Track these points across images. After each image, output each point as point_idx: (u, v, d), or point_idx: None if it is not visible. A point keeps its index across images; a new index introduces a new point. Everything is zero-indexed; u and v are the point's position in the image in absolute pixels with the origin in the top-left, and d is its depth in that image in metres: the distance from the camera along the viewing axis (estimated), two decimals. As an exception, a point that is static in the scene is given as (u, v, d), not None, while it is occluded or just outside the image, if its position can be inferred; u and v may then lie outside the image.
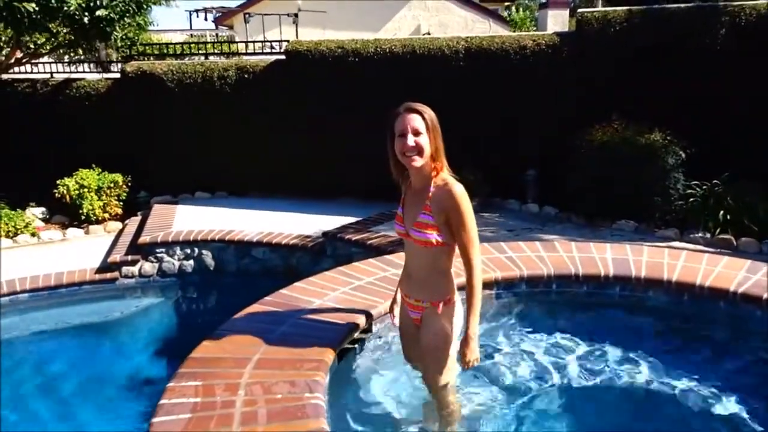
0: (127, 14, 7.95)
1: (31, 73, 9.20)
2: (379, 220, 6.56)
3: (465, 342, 2.32)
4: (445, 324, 2.39)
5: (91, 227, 7.57)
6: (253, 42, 9.82)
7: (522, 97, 7.24)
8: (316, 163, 8.00)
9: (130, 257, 6.13)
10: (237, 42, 10.73)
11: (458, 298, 2.44)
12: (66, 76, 9.00)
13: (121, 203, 8.12)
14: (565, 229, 6.27)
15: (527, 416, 2.62)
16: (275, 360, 2.41)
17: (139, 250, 6.20)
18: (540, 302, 3.42)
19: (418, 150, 2.25)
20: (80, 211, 7.69)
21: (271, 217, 7.25)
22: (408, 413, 2.60)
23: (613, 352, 3.04)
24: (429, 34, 15.61)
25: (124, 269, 6.11)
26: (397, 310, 2.66)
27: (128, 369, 4.62)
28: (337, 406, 2.43)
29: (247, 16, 15.45)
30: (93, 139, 8.49)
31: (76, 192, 7.66)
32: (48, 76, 8.99)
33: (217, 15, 20.84)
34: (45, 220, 7.95)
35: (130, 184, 8.22)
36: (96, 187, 7.76)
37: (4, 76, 8.83)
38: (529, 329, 3.25)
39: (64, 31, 8.28)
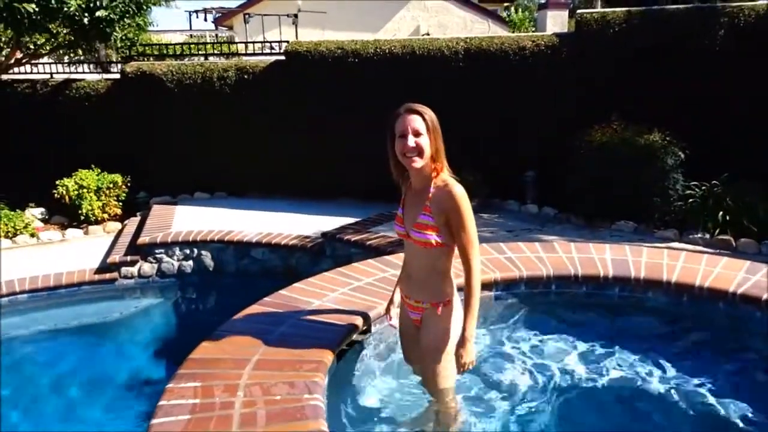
0: (127, 15, 7.95)
1: (31, 73, 9.20)
2: (379, 221, 6.56)
3: (461, 343, 2.32)
4: (445, 325, 2.39)
5: (91, 228, 7.57)
6: (253, 42, 9.83)
7: (521, 98, 7.24)
8: (315, 163, 8.01)
9: (129, 258, 6.12)
10: (237, 42, 10.73)
11: (458, 299, 2.44)
12: (66, 76, 9.00)
13: (121, 204, 8.12)
14: (564, 230, 6.27)
15: (527, 417, 2.62)
16: (274, 361, 2.41)
17: (139, 250, 6.20)
18: (539, 303, 3.42)
19: (419, 151, 2.26)
20: (79, 212, 7.69)
21: (270, 218, 7.25)
22: (407, 415, 2.60)
23: (613, 353, 3.04)
24: (428, 34, 15.62)
25: (124, 270, 6.11)
26: (393, 311, 2.66)
27: (127, 370, 4.62)
28: (336, 408, 2.43)
29: (246, 16, 15.46)
30: (93, 139, 8.49)
31: (76, 192, 7.66)
32: (48, 76, 8.99)
33: (217, 15, 20.85)
34: (44, 221, 7.95)
35: (129, 184, 8.22)
36: (95, 188, 7.76)
37: (4, 77, 8.84)
38: (529, 330, 3.25)
39: (64, 31, 8.27)
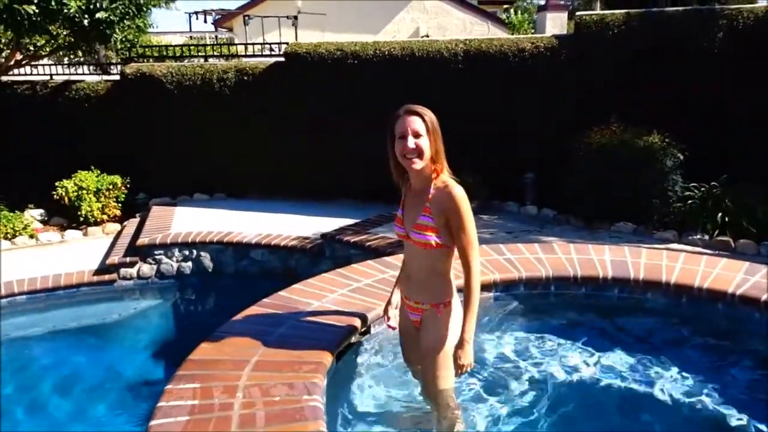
0: (127, 16, 7.95)
1: (31, 75, 9.20)
2: (378, 222, 6.56)
3: (459, 345, 2.32)
4: (444, 326, 2.39)
5: (90, 229, 7.57)
6: (253, 44, 9.83)
7: (520, 100, 7.25)
8: (315, 165, 8.01)
9: (128, 259, 6.12)
10: (236, 44, 10.76)
11: (458, 300, 2.44)
12: (65, 78, 9.00)
13: (120, 205, 8.12)
14: (563, 232, 6.27)
15: (526, 419, 2.62)
16: (273, 362, 2.41)
17: (138, 251, 6.20)
18: (538, 304, 3.42)
19: (418, 152, 2.26)
20: (79, 213, 7.69)
21: (269, 219, 7.24)
22: (407, 416, 2.60)
23: (612, 354, 3.04)
24: (428, 36, 15.64)
25: (123, 271, 6.10)
26: (392, 312, 2.65)
27: (126, 371, 4.62)
28: (335, 409, 2.43)
29: (246, 18, 15.47)
30: (92, 141, 8.49)
31: (75, 194, 7.66)
32: (47, 78, 9.00)
33: (217, 17, 20.84)
34: (44, 222, 7.94)
35: (128, 185, 8.22)
36: (95, 189, 7.76)
37: (4, 78, 8.84)
38: (528, 331, 3.25)
39: (64, 33, 8.28)
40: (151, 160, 8.47)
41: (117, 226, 7.71)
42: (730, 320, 3.15)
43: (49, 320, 5.59)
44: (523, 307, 3.39)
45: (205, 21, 22.06)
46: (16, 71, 8.96)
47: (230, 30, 19.17)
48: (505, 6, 25.44)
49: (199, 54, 9.90)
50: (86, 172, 7.95)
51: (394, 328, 2.66)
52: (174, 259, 6.28)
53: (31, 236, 7.17)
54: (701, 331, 3.22)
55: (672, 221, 6.13)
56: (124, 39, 8.49)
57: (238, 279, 6.25)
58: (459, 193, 2.26)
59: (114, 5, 7.64)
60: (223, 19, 19.67)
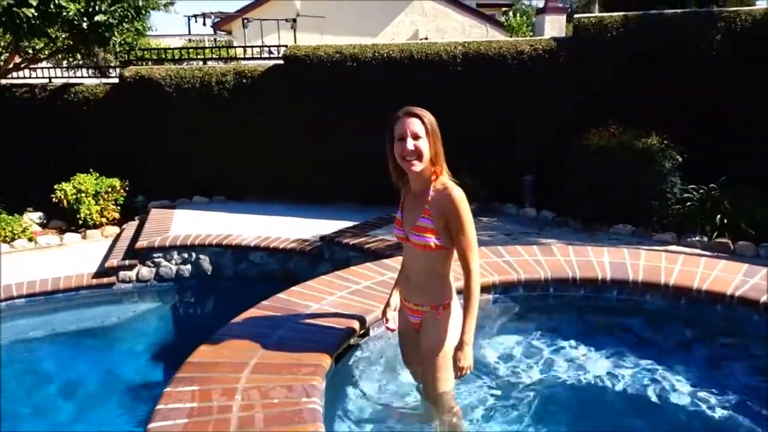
0: (126, 19, 7.96)
1: (30, 78, 9.20)
2: (377, 224, 6.57)
3: (459, 347, 2.32)
4: (444, 328, 2.39)
5: (89, 232, 7.56)
6: (252, 47, 9.83)
7: (519, 102, 7.26)
8: (314, 167, 8.00)
9: (127, 262, 6.12)
10: (235, 47, 10.76)
11: (458, 302, 2.44)
12: (64, 81, 9.00)
13: (119, 208, 8.11)
14: (562, 233, 6.28)
15: (525, 420, 2.62)
16: (272, 364, 2.41)
17: (137, 254, 6.19)
18: (537, 306, 3.42)
19: (418, 154, 2.26)
20: (78, 216, 7.68)
21: (268, 222, 7.24)
22: (406, 418, 2.59)
23: (611, 356, 3.04)
24: (427, 39, 15.67)
25: (122, 274, 6.10)
26: (390, 314, 2.65)
27: (125, 374, 4.61)
28: (334, 411, 2.43)
29: (245, 21, 15.48)
30: (91, 144, 8.49)
31: (74, 197, 7.65)
32: (46, 81, 9.00)
33: (216, 20, 20.85)
34: (42, 225, 7.93)
35: (127, 188, 8.21)
36: (93, 192, 7.75)
37: (3, 81, 8.83)
38: (527, 333, 3.25)
39: (63, 36, 8.28)
40: (150, 162, 8.47)
41: (116, 229, 7.71)
42: (728, 322, 3.15)
43: (48, 323, 5.58)
44: (522, 309, 3.39)
45: (204, 24, 22.09)
46: (15, 74, 8.96)
47: (229, 33, 19.18)
48: (504, 9, 25.49)
49: (198, 57, 9.89)
50: (85, 175, 7.95)
51: (392, 330, 2.65)
52: (173, 262, 6.28)
53: (30, 239, 7.16)
54: (700, 332, 3.22)
55: (671, 223, 6.14)
56: (122, 42, 8.50)
57: (237, 281, 6.25)
58: (458, 195, 2.26)
59: (113, 8, 7.65)
60: (222, 22, 19.67)
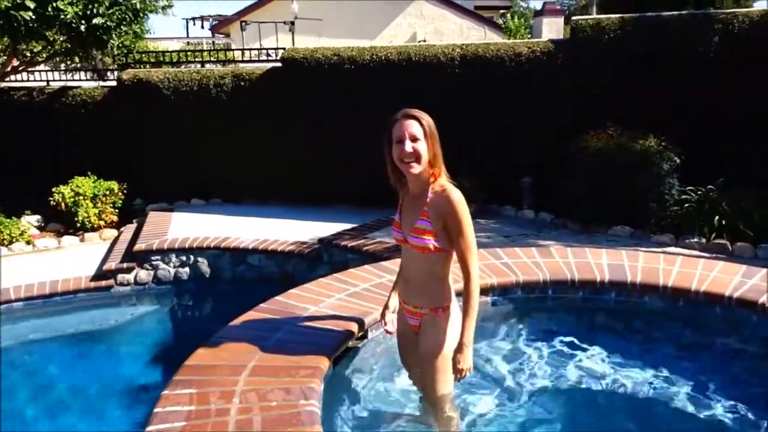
0: (124, 22, 7.95)
1: (28, 81, 9.19)
2: (375, 227, 6.56)
3: (458, 349, 2.32)
4: (443, 331, 2.38)
5: (87, 235, 7.55)
6: (250, 50, 9.83)
7: (517, 104, 7.26)
8: (312, 170, 8.00)
9: (125, 265, 6.11)
10: (233, 50, 10.74)
11: (457, 304, 2.44)
12: (62, 84, 9.00)
13: (117, 211, 8.10)
14: (560, 235, 6.28)
15: (525, 423, 2.61)
16: (270, 367, 2.40)
17: (135, 257, 6.18)
18: (536, 308, 3.42)
19: (416, 156, 2.26)
20: (75, 219, 7.67)
21: (266, 224, 7.24)
22: (404, 421, 2.59)
23: (610, 358, 3.04)
24: (425, 41, 15.70)
25: (120, 277, 6.09)
26: (389, 317, 2.65)
27: (123, 377, 4.60)
28: (332, 413, 2.42)
29: (243, 24, 15.50)
30: (89, 147, 8.48)
31: (72, 200, 7.64)
32: (44, 84, 8.99)
33: (214, 23, 20.88)
34: (40, 228, 7.92)
35: (125, 191, 8.21)
36: (91, 195, 7.75)
37: (1, 84, 8.82)
38: (525, 335, 3.25)
39: (61, 39, 8.27)
40: (148, 165, 8.46)
41: (114, 232, 7.70)
42: (727, 323, 3.15)
43: (45, 326, 5.57)
44: (520, 311, 3.38)
45: (202, 27, 22.09)
46: (12, 77, 8.95)
47: (227, 36, 19.20)
48: (502, 11, 25.54)
49: (196, 60, 9.89)
50: (83, 177, 7.94)
51: (391, 333, 2.65)
52: (171, 264, 6.27)
53: (28, 242, 7.15)
54: (699, 334, 3.22)
55: (669, 225, 6.14)
56: (120, 45, 8.49)
57: (235, 284, 6.24)
58: (457, 197, 2.26)
59: (111, 11, 7.65)
60: (220, 24, 19.70)
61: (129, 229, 7.50)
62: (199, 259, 6.31)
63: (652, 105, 6.67)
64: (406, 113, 2.29)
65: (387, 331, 2.66)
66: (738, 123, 6.51)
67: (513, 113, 7.29)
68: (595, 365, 2.99)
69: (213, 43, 19.79)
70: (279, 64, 8.15)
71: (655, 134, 6.25)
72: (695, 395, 2.75)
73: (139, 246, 6.21)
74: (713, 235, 5.71)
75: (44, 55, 8.81)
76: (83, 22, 7.46)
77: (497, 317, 3.35)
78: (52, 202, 7.68)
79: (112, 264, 6.09)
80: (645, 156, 6.10)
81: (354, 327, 2.78)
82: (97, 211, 7.80)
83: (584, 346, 3.13)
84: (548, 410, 2.72)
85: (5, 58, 8.88)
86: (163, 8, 8.68)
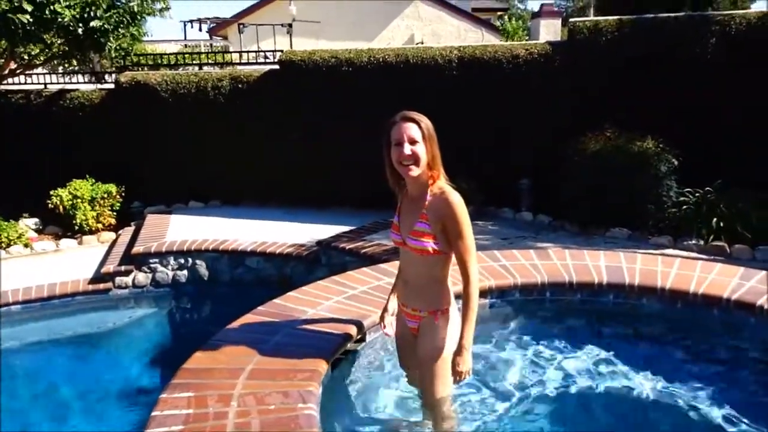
0: (122, 25, 7.95)
1: (25, 84, 9.19)
2: (374, 229, 6.56)
3: (458, 352, 2.31)
4: (442, 334, 2.38)
5: (85, 238, 7.54)
6: (248, 52, 9.84)
7: (515, 106, 7.27)
8: (310, 171, 8.00)
9: (123, 267, 6.10)
10: (231, 52, 10.75)
11: (456, 307, 2.44)
12: (60, 86, 8.99)
13: (115, 213, 8.09)
14: (558, 238, 6.28)
15: (523, 424, 2.61)
16: (268, 370, 2.40)
17: (133, 260, 6.17)
18: (534, 310, 3.42)
19: (415, 159, 2.26)
20: (74, 222, 7.66)
21: (265, 227, 7.23)
22: (403, 423, 2.59)
23: (608, 360, 3.03)
24: (422, 43, 15.71)
25: (118, 280, 6.08)
26: (387, 319, 2.64)
27: (121, 380, 4.59)
28: (330, 417, 2.42)
29: (241, 26, 15.51)
30: (87, 149, 8.48)
31: (70, 202, 7.63)
32: (42, 87, 8.99)
33: (212, 26, 20.88)
34: (38, 231, 7.91)
35: (123, 194, 8.20)
36: (89, 198, 7.74)
37: (-2, 87, 8.83)
38: (523, 337, 3.24)
39: (59, 42, 8.27)
40: (146, 167, 8.46)
41: (112, 235, 7.69)
42: (725, 325, 3.15)
43: (43, 329, 5.55)
44: (518, 314, 3.38)
45: (200, 29, 22.08)
46: (10, 80, 8.94)
47: (225, 38, 19.21)
48: (499, 13, 25.59)
49: (194, 62, 9.90)
50: (81, 180, 7.94)
51: (390, 336, 2.65)
52: (169, 267, 6.26)
53: (26, 245, 7.14)
54: (696, 336, 3.23)
55: (667, 227, 6.14)
56: (118, 47, 8.49)
57: (233, 287, 6.23)
58: (456, 199, 2.26)
59: (108, 14, 7.64)
60: (217, 27, 19.71)
61: (127, 232, 7.49)
62: (198, 261, 6.30)
63: (649, 107, 6.68)
64: (404, 116, 2.29)
65: (386, 334, 2.66)
66: (736, 125, 6.52)
67: (511, 115, 7.30)
68: (593, 367, 2.99)
69: (211, 45, 19.81)
70: (277, 67, 8.16)
71: (652, 136, 6.26)
72: (694, 396, 2.75)
73: (137, 249, 6.20)
74: (711, 237, 5.71)
75: (42, 58, 8.80)
76: (81, 25, 7.45)
77: (495, 320, 3.34)
78: (50, 205, 7.67)
79: (110, 267, 6.08)
80: (643, 158, 6.11)
81: (352, 330, 2.78)
82: (95, 213, 7.79)
83: (582, 348, 3.12)
84: (547, 412, 2.72)
85: (3, 61, 8.87)
86: (161, 11, 8.68)
